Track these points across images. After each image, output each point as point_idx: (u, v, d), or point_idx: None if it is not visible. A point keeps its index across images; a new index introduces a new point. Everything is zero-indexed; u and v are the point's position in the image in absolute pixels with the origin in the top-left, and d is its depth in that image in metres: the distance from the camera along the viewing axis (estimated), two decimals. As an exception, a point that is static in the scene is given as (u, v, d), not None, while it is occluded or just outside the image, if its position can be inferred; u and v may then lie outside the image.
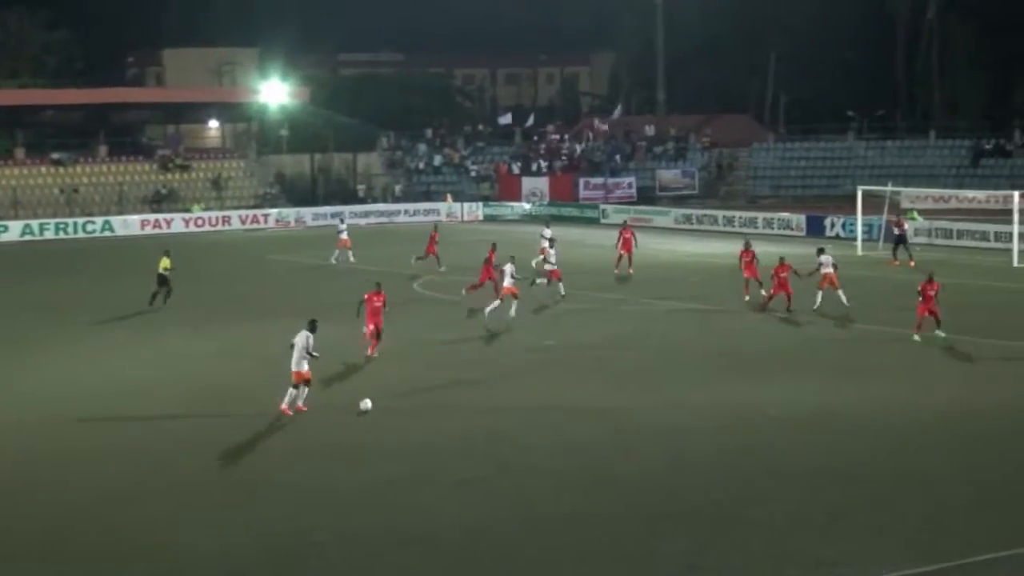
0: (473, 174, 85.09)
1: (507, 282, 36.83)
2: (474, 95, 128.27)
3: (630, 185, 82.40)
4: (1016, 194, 52.61)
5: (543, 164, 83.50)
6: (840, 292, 37.75)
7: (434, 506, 20.26)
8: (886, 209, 56.44)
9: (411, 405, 27.08)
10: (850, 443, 23.60)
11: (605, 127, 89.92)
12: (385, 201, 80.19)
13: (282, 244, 64.01)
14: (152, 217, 72.72)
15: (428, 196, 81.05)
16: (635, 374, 30.12)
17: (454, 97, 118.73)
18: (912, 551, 17.84)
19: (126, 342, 35.69)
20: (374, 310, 31.32)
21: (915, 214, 60.70)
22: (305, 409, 25.92)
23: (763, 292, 39.49)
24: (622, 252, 48.30)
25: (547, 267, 42.46)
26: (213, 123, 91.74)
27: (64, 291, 47.27)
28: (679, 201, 79.11)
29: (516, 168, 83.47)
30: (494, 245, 41.38)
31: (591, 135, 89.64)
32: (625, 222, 54.39)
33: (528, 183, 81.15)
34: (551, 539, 18.71)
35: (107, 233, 70.23)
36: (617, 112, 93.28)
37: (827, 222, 62.59)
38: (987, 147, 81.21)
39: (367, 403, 26.12)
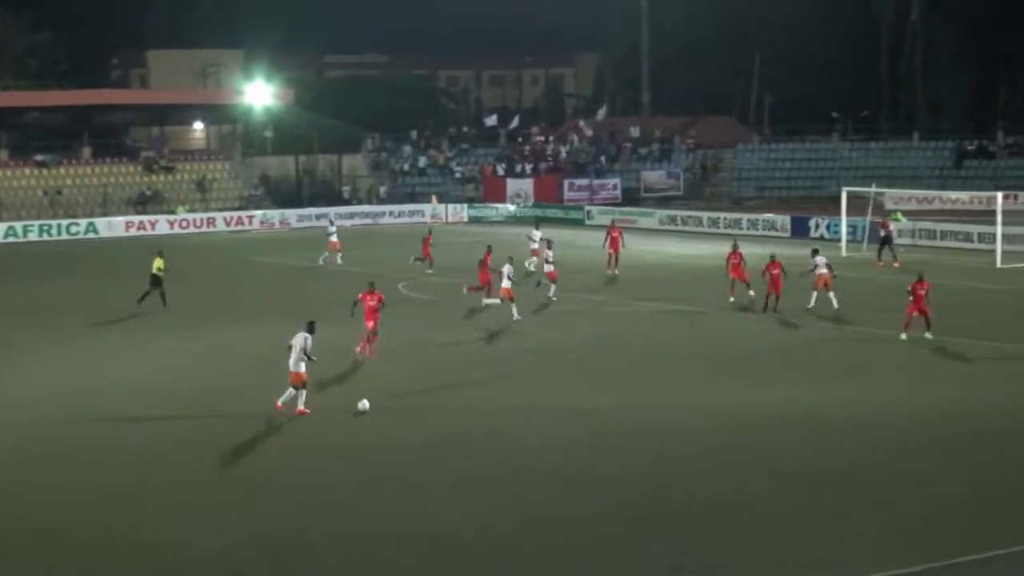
0: (458, 176, 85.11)
1: (504, 284, 36.90)
2: (459, 97, 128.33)
3: (615, 186, 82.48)
4: (999, 195, 52.91)
5: (528, 166, 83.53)
6: (831, 294, 37.91)
7: (429, 506, 20.29)
8: (870, 210, 56.62)
9: (405, 406, 27.07)
10: (838, 443, 23.66)
11: (590, 132, 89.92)
12: (370, 203, 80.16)
13: (267, 246, 63.92)
14: (137, 219, 72.59)
15: (413, 198, 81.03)
16: (620, 375, 30.15)
17: (439, 99, 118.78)
18: (904, 551, 17.88)
19: (116, 343, 35.63)
20: (370, 310, 31.22)
21: (899, 215, 60.90)
22: (308, 412, 25.91)
23: (750, 293, 39.60)
24: (611, 251, 48.41)
25: (546, 268, 42.57)
26: (198, 125, 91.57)
27: (50, 293, 47.13)
28: (664, 202, 79.23)
29: (501, 169, 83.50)
30: (489, 247, 41.37)
31: (576, 137, 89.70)
32: (613, 221, 54.40)
33: (513, 184, 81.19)
34: (548, 539, 18.74)
35: (91, 235, 70.10)
36: (602, 113, 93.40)
37: (812, 223, 62.75)
38: (970, 148, 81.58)
39: (365, 404, 26.16)
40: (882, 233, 51.06)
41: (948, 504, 20.05)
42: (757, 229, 64.15)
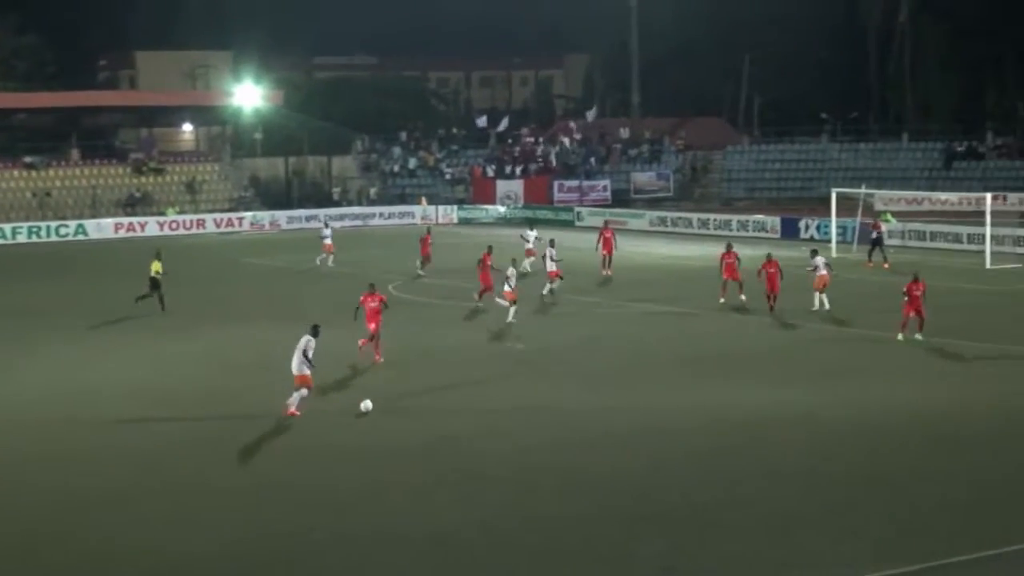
0: (448, 177, 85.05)
1: (507, 287, 36.90)
2: (448, 98, 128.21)
3: (605, 188, 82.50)
4: (988, 196, 52.97)
5: (517, 167, 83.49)
6: (823, 295, 37.99)
7: (430, 506, 20.30)
8: (860, 211, 56.69)
9: (404, 407, 27.07)
10: (833, 444, 23.67)
11: (579, 136, 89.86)
12: (360, 204, 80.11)
13: (257, 247, 63.84)
14: (126, 220, 72.50)
15: (403, 199, 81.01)
16: (616, 376, 30.20)
17: (428, 100, 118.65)
18: (902, 551, 17.89)
19: (110, 345, 35.60)
20: (371, 312, 31.04)
21: (889, 216, 60.95)
22: (297, 414, 25.88)
23: (741, 297, 39.66)
24: (604, 253, 48.40)
25: (549, 266, 42.62)
26: (187, 126, 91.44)
27: (42, 295, 47.01)
28: (654, 204, 79.26)
29: (491, 171, 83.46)
30: (490, 248, 41.30)
31: (566, 138, 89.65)
32: (606, 223, 54.34)
33: (503, 186, 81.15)
34: (549, 539, 18.74)
35: (80, 236, 70.01)
36: (592, 115, 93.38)
37: (801, 224, 62.82)
38: (959, 149, 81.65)
39: (367, 404, 26.18)
40: (873, 234, 51.11)
41: (945, 504, 20.06)
42: (747, 230, 64.19)
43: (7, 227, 69.72)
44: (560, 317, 39.25)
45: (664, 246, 60.69)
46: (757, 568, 17.53)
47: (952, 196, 64.71)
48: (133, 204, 76.31)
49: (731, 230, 63.88)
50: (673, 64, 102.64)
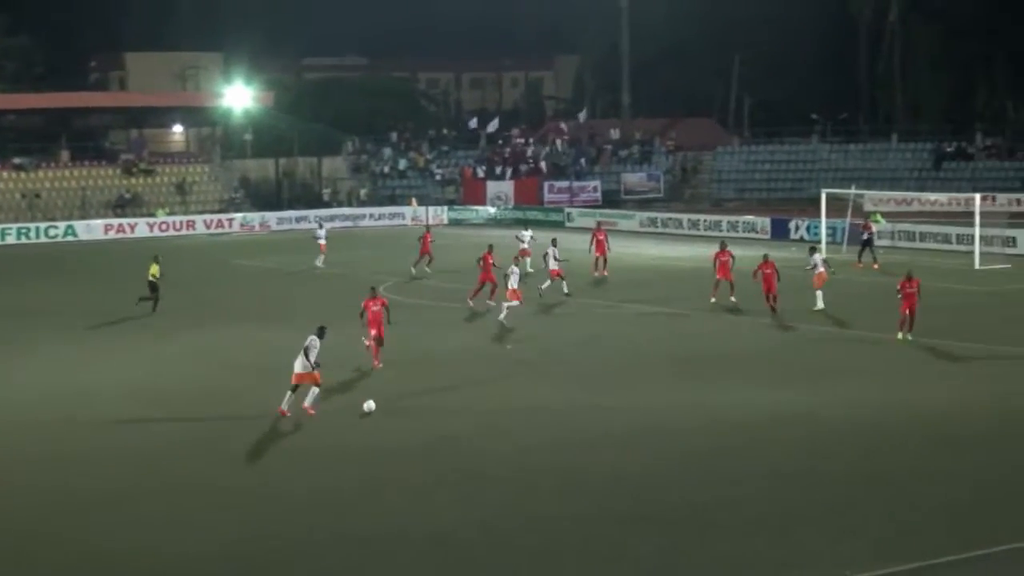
0: (438, 178, 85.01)
1: (512, 284, 37.03)
2: (439, 99, 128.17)
3: (595, 189, 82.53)
4: (977, 197, 53.15)
5: (508, 168, 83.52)
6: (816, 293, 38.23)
7: (430, 506, 20.35)
8: (850, 212, 56.83)
9: (403, 407, 27.13)
10: (831, 444, 23.75)
11: (567, 137, 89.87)
12: (350, 205, 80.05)
13: (247, 248, 63.78)
14: (116, 222, 72.38)
15: (393, 200, 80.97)
16: (614, 377, 30.27)
17: (419, 101, 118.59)
18: (900, 551, 17.94)
19: (105, 346, 35.59)
20: (373, 316, 30.86)
21: (878, 216, 61.07)
22: (287, 413, 25.92)
23: (732, 299, 39.75)
24: (596, 255, 48.43)
25: (552, 265, 42.69)
26: (177, 127, 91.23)
27: (33, 296, 46.91)
28: (644, 204, 79.32)
29: (481, 172, 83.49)
30: (491, 247, 41.30)
31: (557, 140, 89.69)
32: (598, 224, 54.41)
33: (493, 187, 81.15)
34: (549, 539, 18.81)
35: (70, 238, 69.89)
36: (582, 116, 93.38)
37: (792, 225, 62.93)
38: (949, 150, 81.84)
39: (371, 404, 26.25)
40: (864, 235, 51.25)
41: (945, 503, 20.15)
42: (737, 231, 64.26)
43: (-4, 228, 69.61)
44: (558, 318, 39.38)
45: (654, 247, 60.73)
46: (757, 568, 17.58)
47: (941, 197, 64.88)
48: (123, 205, 76.17)
49: (721, 231, 63.93)
50: (663, 65, 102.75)
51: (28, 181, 76.31)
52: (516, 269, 38.04)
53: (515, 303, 37.10)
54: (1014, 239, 54.02)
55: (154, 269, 40.61)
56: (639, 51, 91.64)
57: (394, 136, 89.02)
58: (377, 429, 25.34)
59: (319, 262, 53.15)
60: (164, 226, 72.66)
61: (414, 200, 78.93)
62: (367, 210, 78.21)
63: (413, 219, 75.71)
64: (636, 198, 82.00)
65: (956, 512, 19.80)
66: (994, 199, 65.88)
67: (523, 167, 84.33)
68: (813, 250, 39.63)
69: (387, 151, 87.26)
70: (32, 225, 70.70)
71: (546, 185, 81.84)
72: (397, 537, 18.92)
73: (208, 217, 74.93)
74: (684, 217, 69.65)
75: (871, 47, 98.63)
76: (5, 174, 76.44)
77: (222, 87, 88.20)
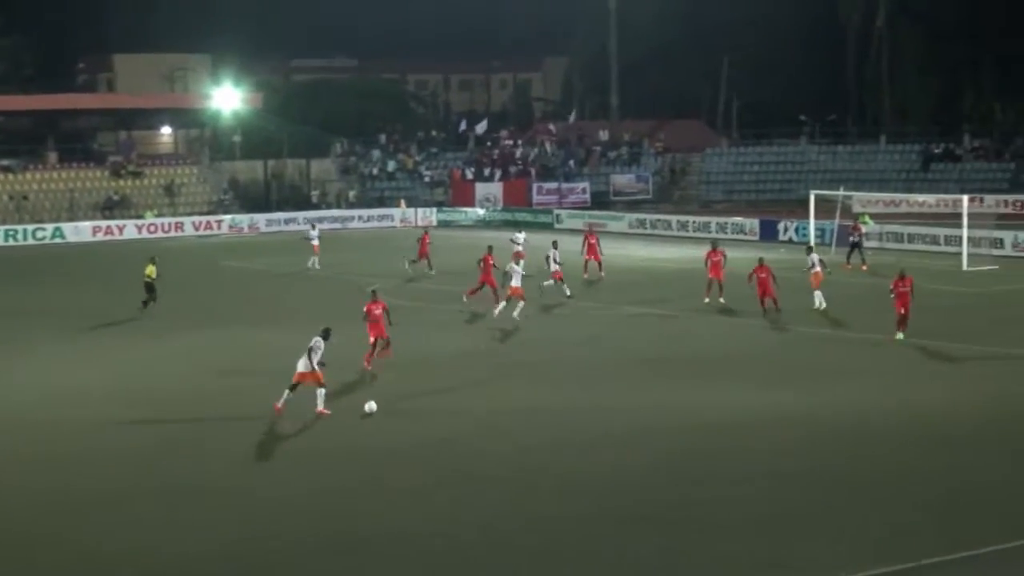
0: (427, 180, 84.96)
1: (515, 282, 37.06)
2: (427, 101, 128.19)
3: (584, 190, 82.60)
4: (965, 198, 53.35)
5: (496, 170, 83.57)
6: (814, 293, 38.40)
7: (430, 506, 20.40)
8: (838, 213, 56.98)
9: (403, 408, 27.19)
10: (829, 444, 23.84)
11: (556, 138, 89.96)
12: (339, 207, 79.96)
13: (236, 250, 63.72)
14: (104, 224, 72.20)
15: (382, 202, 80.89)
16: (612, 377, 30.35)
17: (408, 103, 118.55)
18: (899, 551, 18.01)
19: (99, 347, 35.59)
20: (373, 320, 30.85)
21: (867, 218, 61.23)
22: (281, 411, 25.98)
23: (720, 300, 39.87)
24: (588, 258, 48.40)
25: (553, 267, 42.74)
26: (166, 129, 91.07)
27: (23, 298, 46.76)
28: (633, 206, 79.35)
29: (470, 173, 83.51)
30: (490, 248, 41.27)
31: (546, 142, 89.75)
32: (590, 227, 54.38)
33: (482, 188, 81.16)
34: (550, 539, 18.86)
35: (58, 240, 69.67)
36: (571, 117, 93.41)
37: (780, 226, 63.03)
38: (937, 152, 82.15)
39: (372, 405, 26.31)
40: (853, 237, 51.38)
41: (944, 503, 20.26)
42: (726, 232, 64.31)
43: (-16, 230, 69.40)
44: (557, 319, 39.49)
45: (643, 248, 60.78)
46: (756, 568, 17.64)
47: (929, 198, 65.11)
48: (111, 207, 75.96)
49: (710, 232, 64.00)
50: (652, 67, 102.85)
51: (16, 183, 76.05)
52: (517, 268, 38.10)
53: (521, 303, 37.24)
54: (1002, 240, 54.25)
55: (150, 270, 40.60)
56: (627, 53, 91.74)
57: (383, 138, 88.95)
58: (378, 430, 25.39)
59: (312, 263, 53.19)
60: (152, 228, 72.50)
61: (403, 202, 78.92)
62: (356, 212, 78.11)
63: (402, 221, 75.67)
64: (625, 199, 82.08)
65: (958, 511, 19.87)
66: (982, 200, 66.13)
67: (512, 169, 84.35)
68: (810, 250, 39.77)
69: (376, 153, 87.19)
70: (20, 227, 70.48)
71: (535, 187, 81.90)
72: (397, 537, 18.97)
73: (197, 219, 74.76)
74: (673, 218, 69.72)
75: (859, 50, 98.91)
76: (-8, 176, 76.23)
77: (210, 89, 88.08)
